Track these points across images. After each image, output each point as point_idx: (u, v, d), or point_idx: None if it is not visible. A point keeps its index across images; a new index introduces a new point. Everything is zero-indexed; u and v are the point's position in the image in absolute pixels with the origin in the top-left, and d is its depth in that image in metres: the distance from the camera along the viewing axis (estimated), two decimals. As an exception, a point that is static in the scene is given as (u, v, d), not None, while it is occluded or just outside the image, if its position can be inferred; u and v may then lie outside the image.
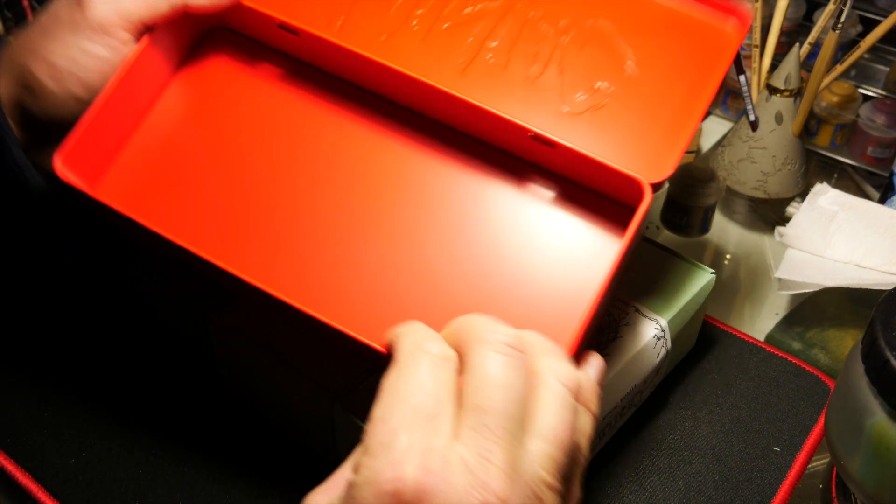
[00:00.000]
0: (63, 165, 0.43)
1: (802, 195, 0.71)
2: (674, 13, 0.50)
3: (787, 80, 0.71)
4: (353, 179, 0.47)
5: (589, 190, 0.45)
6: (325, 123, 0.48)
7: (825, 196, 0.67)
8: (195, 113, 0.49)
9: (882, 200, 0.71)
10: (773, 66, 0.73)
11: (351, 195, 0.46)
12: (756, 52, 0.74)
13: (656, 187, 0.42)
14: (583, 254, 0.44)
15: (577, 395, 0.34)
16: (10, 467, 0.48)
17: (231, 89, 0.50)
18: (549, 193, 0.45)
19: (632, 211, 0.42)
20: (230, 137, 0.48)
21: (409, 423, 0.31)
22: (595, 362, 0.40)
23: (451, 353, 0.34)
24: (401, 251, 0.44)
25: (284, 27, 0.48)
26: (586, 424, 0.35)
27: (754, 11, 0.50)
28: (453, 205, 0.46)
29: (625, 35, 0.48)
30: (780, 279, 0.62)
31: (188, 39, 0.50)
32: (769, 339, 0.62)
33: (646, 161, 0.44)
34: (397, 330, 0.36)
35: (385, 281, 0.44)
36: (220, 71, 0.50)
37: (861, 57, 0.70)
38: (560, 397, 0.33)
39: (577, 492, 0.34)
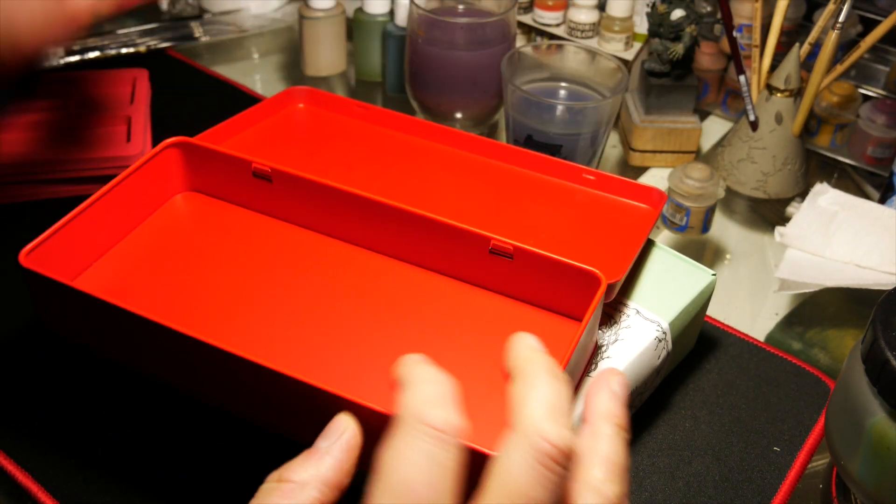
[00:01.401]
0: (29, 259, 0.45)
1: (802, 195, 0.71)
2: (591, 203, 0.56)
3: (787, 80, 0.71)
4: (326, 288, 0.50)
5: (546, 285, 0.49)
6: (304, 245, 0.53)
7: (825, 196, 0.67)
8: (175, 237, 0.53)
9: (882, 200, 0.71)
10: (773, 66, 0.73)
11: (324, 302, 0.49)
12: (756, 52, 0.74)
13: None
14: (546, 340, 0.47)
15: None
16: (10, 467, 0.48)
17: (211, 217, 0.54)
18: (512, 296, 0.50)
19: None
20: (213, 256, 0.52)
21: None
22: (615, 383, 0.35)
23: (457, 423, 0.30)
24: (374, 353, 0.47)
25: (259, 174, 0.53)
26: None
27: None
28: (420, 305, 0.50)
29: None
30: (780, 279, 0.62)
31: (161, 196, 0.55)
32: (769, 339, 0.62)
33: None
34: (403, 373, 0.32)
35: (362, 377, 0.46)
36: (196, 207, 0.55)
37: (861, 57, 0.70)
38: None
39: None
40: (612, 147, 0.81)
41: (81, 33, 0.48)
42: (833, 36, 0.68)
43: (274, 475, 0.32)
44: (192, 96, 0.82)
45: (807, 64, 0.73)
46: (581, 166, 0.58)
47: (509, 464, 0.29)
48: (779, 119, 0.72)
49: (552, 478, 0.29)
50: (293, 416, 0.43)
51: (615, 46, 0.83)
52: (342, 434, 0.34)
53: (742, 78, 0.73)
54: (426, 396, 0.31)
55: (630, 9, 0.82)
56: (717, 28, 0.87)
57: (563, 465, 0.29)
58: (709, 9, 0.87)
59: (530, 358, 0.32)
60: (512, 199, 0.57)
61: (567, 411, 0.30)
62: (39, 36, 0.47)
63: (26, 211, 0.66)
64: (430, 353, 0.46)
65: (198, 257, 0.52)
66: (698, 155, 0.80)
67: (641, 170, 0.79)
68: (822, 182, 0.69)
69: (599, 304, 0.45)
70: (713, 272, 0.54)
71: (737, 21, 0.82)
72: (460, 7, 0.77)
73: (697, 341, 0.57)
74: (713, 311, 0.61)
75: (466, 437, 0.31)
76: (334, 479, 0.32)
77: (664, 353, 0.51)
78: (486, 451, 0.34)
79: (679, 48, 0.74)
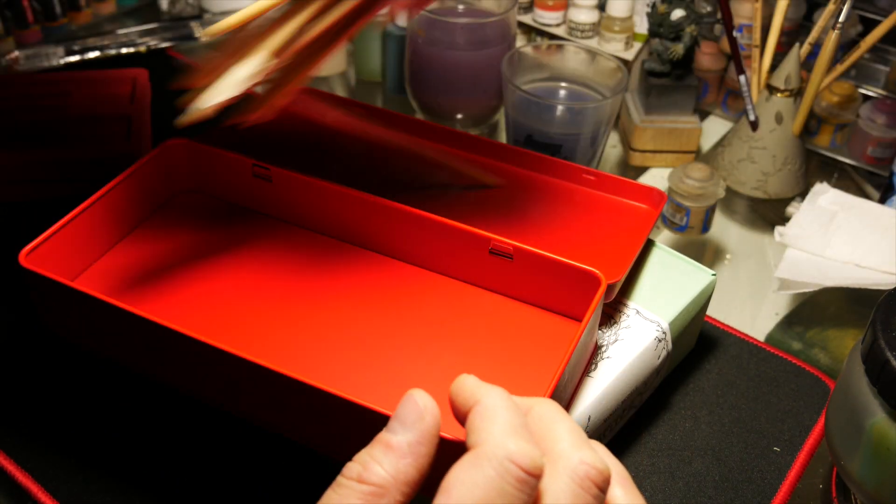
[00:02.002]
0: (29, 259, 0.45)
1: (802, 195, 0.70)
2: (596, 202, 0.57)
3: (787, 80, 0.71)
4: (325, 288, 0.50)
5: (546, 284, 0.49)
6: (304, 245, 0.53)
7: (825, 196, 0.67)
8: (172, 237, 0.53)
9: (882, 200, 0.71)
10: (774, 66, 0.73)
11: (324, 302, 0.50)
12: (756, 52, 0.74)
13: None
14: (546, 340, 0.48)
15: None
16: (10, 467, 0.48)
17: (211, 217, 0.55)
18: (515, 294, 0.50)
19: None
20: (213, 256, 0.52)
21: None
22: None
23: (541, 465, 0.29)
24: (380, 347, 0.47)
25: (259, 175, 0.53)
26: None
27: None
28: (420, 305, 0.50)
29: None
30: (780, 279, 0.62)
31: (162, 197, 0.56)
32: (769, 339, 0.62)
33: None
34: (470, 395, 0.32)
35: (367, 376, 0.46)
36: (196, 207, 0.55)
37: (861, 57, 0.70)
38: None
39: None
40: (612, 147, 0.81)
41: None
42: (833, 36, 0.68)
43: (353, 470, 0.30)
44: (192, 96, 0.82)
45: (807, 64, 0.73)
46: (581, 166, 0.58)
47: (557, 497, 0.29)
48: (779, 119, 0.72)
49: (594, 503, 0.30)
50: (293, 416, 0.43)
51: (615, 46, 0.83)
52: (422, 421, 0.31)
53: (742, 78, 0.73)
54: (509, 427, 0.30)
55: (630, 9, 0.82)
56: (718, 28, 0.87)
57: (603, 486, 0.30)
58: (709, 9, 0.87)
59: (480, 388, 0.32)
60: (512, 198, 0.57)
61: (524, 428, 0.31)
62: None
63: (26, 211, 0.66)
64: (430, 353, 0.46)
65: (198, 257, 0.51)
66: (698, 155, 0.80)
67: (641, 170, 0.79)
68: (822, 182, 0.69)
69: (599, 304, 0.45)
70: (713, 272, 0.54)
71: (737, 21, 0.82)
72: (460, 7, 0.77)
73: (697, 341, 0.57)
74: (713, 311, 0.61)
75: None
76: (414, 478, 0.30)
77: (664, 353, 0.51)
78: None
79: (679, 48, 0.74)
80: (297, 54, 0.44)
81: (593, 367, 0.48)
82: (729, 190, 0.74)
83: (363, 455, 0.31)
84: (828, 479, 0.51)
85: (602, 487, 0.30)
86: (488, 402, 0.31)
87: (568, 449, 0.30)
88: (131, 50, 0.87)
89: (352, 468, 0.30)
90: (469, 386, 0.32)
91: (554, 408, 0.33)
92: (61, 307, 0.47)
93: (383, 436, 0.31)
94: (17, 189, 0.66)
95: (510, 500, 0.28)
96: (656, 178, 0.77)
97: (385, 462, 0.30)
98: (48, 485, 0.47)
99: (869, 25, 0.84)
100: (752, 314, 0.64)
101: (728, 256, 0.70)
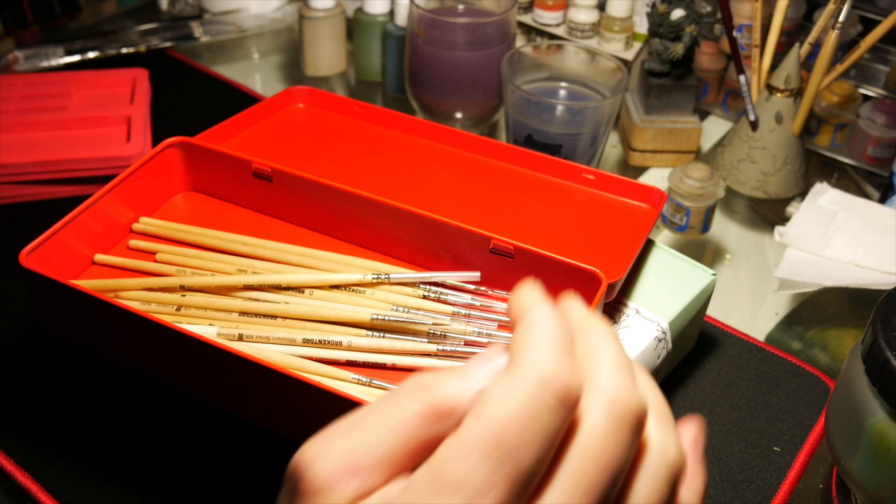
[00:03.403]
0: (30, 259, 0.46)
1: (802, 195, 0.70)
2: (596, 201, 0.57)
3: (787, 80, 0.71)
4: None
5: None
6: (303, 245, 0.53)
7: (825, 196, 0.67)
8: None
9: (882, 200, 0.71)
10: (774, 66, 0.73)
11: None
12: (756, 52, 0.74)
13: None
14: None
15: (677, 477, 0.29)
16: (10, 467, 0.48)
17: (211, 217, 0.55)
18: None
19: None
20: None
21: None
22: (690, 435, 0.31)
23: (579, 395, 0.27)
24: None
25: (258, 174, 0.53)
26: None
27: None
28: None
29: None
30: (780, 279, 0.62)
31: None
32: (769, 339, 0.62)
33: None
34: (527, 313, 0.28)
35: None
36: (196, 207, 0.56)
37: (861, 57, 0.70)
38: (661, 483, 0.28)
39: None
40: (612, 147, 0.81)
41: None
42: (833, 36, 0.68)
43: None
44: (192, 96, 0.82)
45: (807, 64, 0.73)
46: (581, 166, 0.58)
47: (594, 432, 0.27)
48: (779, 119, 0.72)
49: (634, 438, 0.27)
50: (295, 417, 0.43)
51: (615, 46, 0.83)
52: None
53: (742, 78, 0.73)
54: (553, 345, 0.27)
55: (630, 9, 0.82)
56: (717, 28, 0.87)
57: (644, 420, 0.28)
58: (709, 9, 0.87)
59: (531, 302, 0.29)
60: (512, 198, 0.57)
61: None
62: None
63: (26, 211, 0.66)
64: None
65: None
66: (698, 155, 0.80)
67: (641, 170, 0.79)
68: (822, 182, 0.69)
69: (600, 304, 0.45)
70: (713, 272, 0.54)
71: (737, 21, 0.82)
72: (460, 7, 0.77)
73: (697, 341, 0.57)
74: (713, 311, 0.61)
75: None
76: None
77: (664, 353, 0.51)
78: None
79: (679, 48, 0.74)
80: None
81: (593, 366, 0.48)
82: (729, 190, 0.75)
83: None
84: (828, 479, 0.51)
85: (642, 419, 0.27)
86: (536, 315, 0.28)
87: (607, 376, 0.28)
88: (131, 50, 0.87)
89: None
90: (523, 299, 0.29)
91: (604, 332, 0.30)
92: (61, 307, 0.47)
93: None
94: (17, 189, 0.66)
95: (544, 422, 0.26)
96: (656, 178, 0.77)
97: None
98: (48, 485, 0.47)
99: (869, 25, 0.84)
100: (752, 314, 0.64)
101: (728, 256, 0.70)
